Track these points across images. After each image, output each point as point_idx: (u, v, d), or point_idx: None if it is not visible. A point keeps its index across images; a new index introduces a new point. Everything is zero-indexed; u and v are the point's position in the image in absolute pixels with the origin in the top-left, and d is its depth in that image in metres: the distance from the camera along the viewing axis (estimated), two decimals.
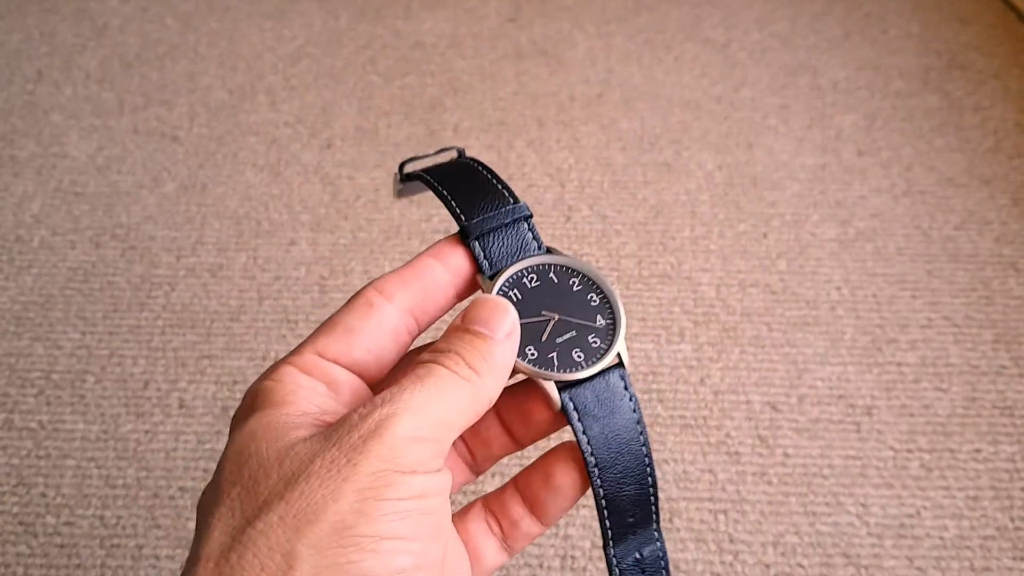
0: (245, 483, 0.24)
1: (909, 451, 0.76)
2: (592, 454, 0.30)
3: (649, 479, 0.31)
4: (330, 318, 0.29)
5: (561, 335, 0.31)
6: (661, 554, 0.32)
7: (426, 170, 0.34)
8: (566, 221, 0.94)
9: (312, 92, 1.10)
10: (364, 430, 0.24)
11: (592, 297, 0.31)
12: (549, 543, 0.70)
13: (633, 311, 0.86)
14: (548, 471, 0.32)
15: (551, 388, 0.30)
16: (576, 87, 1.10)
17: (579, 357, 0.30)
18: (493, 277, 0.31)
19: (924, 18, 1.17)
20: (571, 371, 0.30)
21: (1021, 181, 0.97)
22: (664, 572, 0.32)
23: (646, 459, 0.31)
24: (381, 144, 1.02)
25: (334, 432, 0.24)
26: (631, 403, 0.30)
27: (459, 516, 0.32)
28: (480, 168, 0.33)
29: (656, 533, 0.32)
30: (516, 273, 0.31)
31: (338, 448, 0.24)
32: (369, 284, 0.30)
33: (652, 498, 0.31)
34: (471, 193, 0.32)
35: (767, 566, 0.70)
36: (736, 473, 0.75)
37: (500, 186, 0.33)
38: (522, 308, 0.31)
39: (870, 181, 0.97)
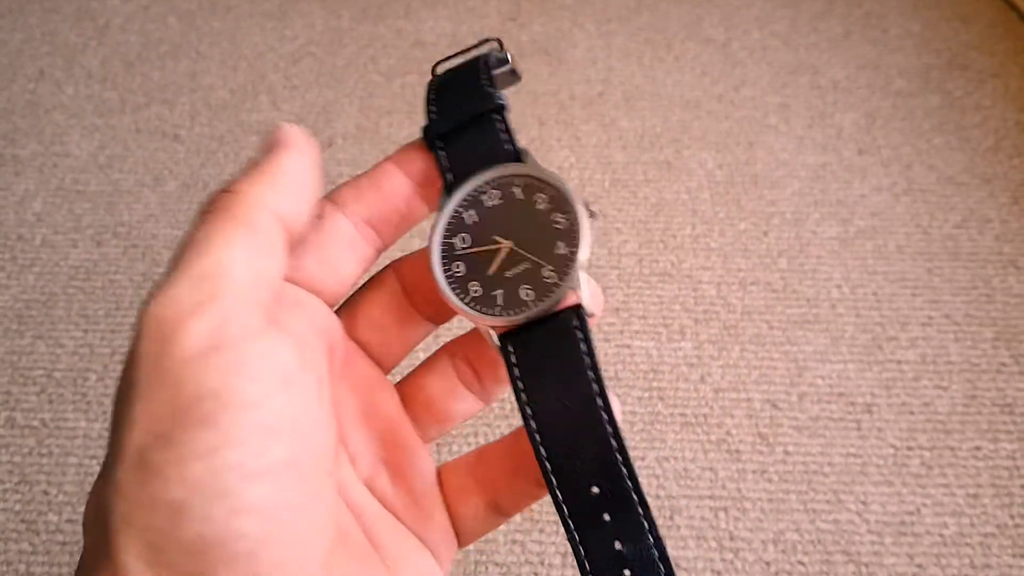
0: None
1: (909, 449, 0.76)
2: (533, 417, 0.24)
3: (613, 443, 0.24)
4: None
5: (513, 267, 0.26)
6: (657, 554, 0.24)
7: (441, 74, 0.29)
8: None
9: (314, 91, 1.10)
10: (138, 332, 0.21)
11: (557, 218, 0.26)
12: (550, 540, 0.71)
13: (634, 309, 0.86)
14: None
15: (492, 335, 0.25)
16: (577, 86, 1.10)
17: (527, 295, 0.25)
18: (450, 191, 0.26)
19: (924, 17, 1.18)
20: (510, 313, 0.25)
21: (1021, 180, 0.97)
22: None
23: (607, 426, 0.24)
24: (382, 143, 1.02)
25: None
26: (586, 356, 0.24)
27: (420, 371, 0.28)
28: (480, 62, 0.28)
29: (644, 524, 0.24)
30: (474, 189, 0.26)
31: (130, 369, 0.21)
32: (322, 197, 0.27)
33: (622, 468, 0.24)
34: (453, 91, 0.28)
35: (767, 563, 0.70)
36: (736, 471, 0.75)
37: (483, 75, 0.28)
38: (476, 232, 0.26)
39: (870, 180, 0.97)
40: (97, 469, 0.75)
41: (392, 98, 1.09)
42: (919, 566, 0.69)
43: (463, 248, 0.26)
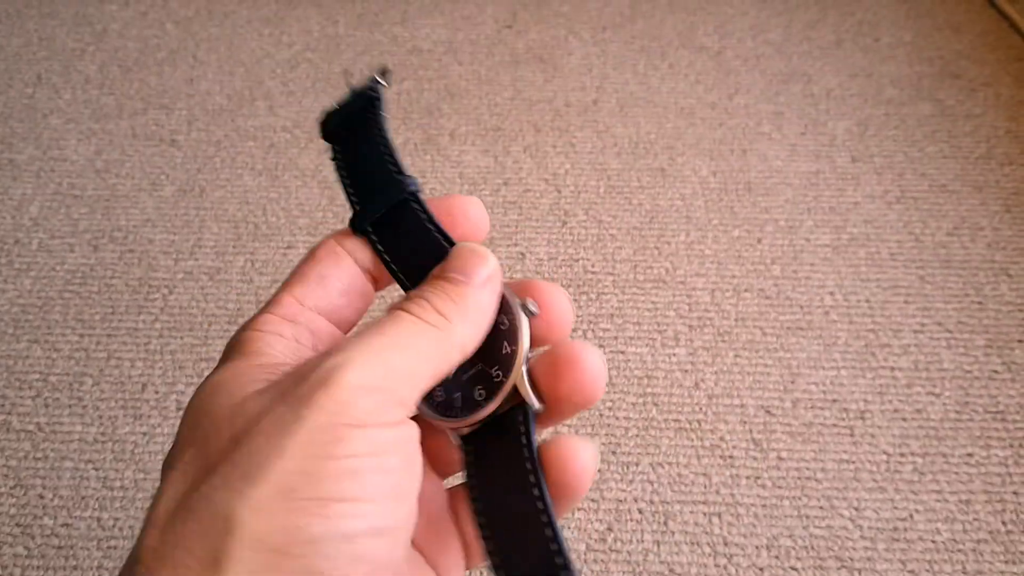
0: (198, 443, 0.22)
1: (902, 455, 0.77)
2: (481, 514, 0.25)
3: (552, 546, 0.24)
4: (298, 270, 0.27)
5: (467, 369, 0.27)
6: None
7: (336, 152, 0.30)
8: (562, 226, 0.95)
9: (310, 97, 1.11)
10: (313, 380, 0.22)
11: (503, 320, 0.27)
12: None
13: (628, 315, 0.86)
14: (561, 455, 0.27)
15: (453, 437, 0.27)
16: (572, 93, 1.11)
17: (480, 395, 0.26)
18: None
19: (916, 26, 1.18)
20: (466, 414, 0.26)
21: (1013, 188, 0.98)
22: None
23: (546, 528, 0.25)
24: None
25: (282, 384, 0.23)
26: (527, 455, 0.25)
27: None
28: (377, 135, 0.30)
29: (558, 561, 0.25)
30: None
31: (284, 402, 0.22)
32: (328, 236, 0.28)
33: (560, 568, 0.24)
34: (366, 175, 0.29)
35: (761, 569, 0.70)
36: (730, 476, 0.75)
37: (388, 157, 0.29)
38: None
39: (863, 187, 0.98)
40: (93, 473, 0.75)
41: (388, 104, 1.09)
42: (912, 572, 0.70)
43: None
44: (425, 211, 0.28)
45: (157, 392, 0.81)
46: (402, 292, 0.28)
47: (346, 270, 0.28)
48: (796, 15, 1.21)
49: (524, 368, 0.26)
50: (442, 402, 0.27)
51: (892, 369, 0.82)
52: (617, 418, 0.79)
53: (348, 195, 0.29)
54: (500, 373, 0.26)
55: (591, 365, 0.26)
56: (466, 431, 0.27)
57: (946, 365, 0.83)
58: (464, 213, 0.29)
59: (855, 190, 0.98)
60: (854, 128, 1.05)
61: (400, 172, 0.29)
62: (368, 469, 0.22)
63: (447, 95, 1.11)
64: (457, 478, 0.28)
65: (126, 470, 0.76)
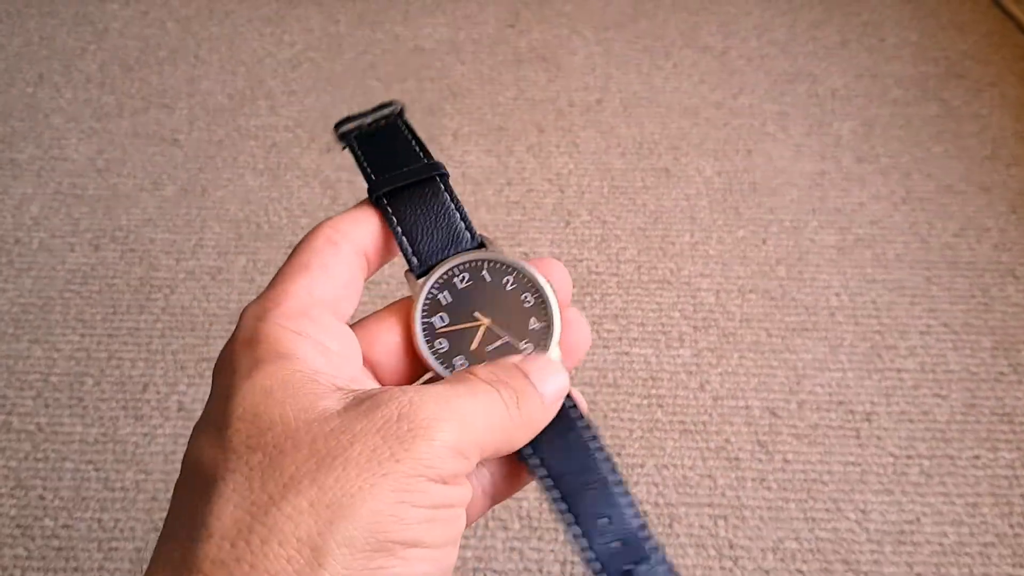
0: (268, 451, 0.22)
1: (909, 457, 0.76)
2: (557, 496, 0.27)
3: (608, 463, 0.27)
4: (298, 258, 0.27)
5: (492, 342, 0.28)
6: (642, 535, 0.27)
7: (356, 134, 0.31)
8: (565, 226, 0.94)
9: (312, 96, 1.10)
10: (412, 425, 0.23)
11: (527, 297, 0.29)
12: (549, 548, 0.70)
13: (633, 316, 0.86)
14: None
15: None
16: (575, 93, 1.10)
17: None
18: (422, 276, 0.29)
19: (922, 26, 1.18)
20: None
21: (1019, 188, 0.97)
22: None
23: (600, 453, 0.27)
24: None
25: (374, 414, 0.23)
26: (587, 432, 0.27)
27: None
28: (403, 129, 0.31)
29: (627, 507, 0.27)
30: (447, 272, 0.29)
31: (382, 438, 0.22)
32: (323, 223, 0.29)
33: (612, 476, 0.27)
34: (388, 156, 0.30)
35: (766, 572, 0.70)
36: (736, 479, 0.75)
37: (417, 147, 0.30)
38: (452, 312, 0.28)
39: (869, 188, 0.97)
40: (94, 474, 0.75)
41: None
42: (919, 575, 0.69)
43: (443, 326, 0.28)
44: (451, 194, 0.29)
45: (158, 392, 0.80)
46: (402, 274, 0.29)
47: (344, 259, 0.28)
48: (801, 15, 1.21)
49: (555, 340, 0.28)
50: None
51: (898, 371, 0.82)
52: (622, 420, 0.78)
53: (363, 169, 0.29)
54: (531, 346, 0.28)
55: (581, 327, 0.29)
56: None
57: (952, 367, 0.82)
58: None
59: (861, 191, 0.97)
60: (859, 128, 1.04)
61: (429, 156, 0.30)
62: (441, 519, 0.23)
63: (450, 95, 1.10)
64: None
65: (127, 471, 0.75)
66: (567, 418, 0.28)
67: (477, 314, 0.28)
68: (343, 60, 1.15)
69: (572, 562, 0.70)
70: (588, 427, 0.28)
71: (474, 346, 0.28)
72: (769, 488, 0.74)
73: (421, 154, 0.30)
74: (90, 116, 1.08)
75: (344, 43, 1.18)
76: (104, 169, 1.01)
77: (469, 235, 0.29)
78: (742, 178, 0.99)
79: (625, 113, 1.07)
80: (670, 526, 0.72)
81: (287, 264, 0.27)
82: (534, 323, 0.28)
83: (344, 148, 0.31)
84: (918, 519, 0.72)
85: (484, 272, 0.29)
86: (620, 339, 0.84)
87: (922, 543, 0.71)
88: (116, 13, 1.23)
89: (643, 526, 0.27)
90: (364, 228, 0.29)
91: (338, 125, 0.31)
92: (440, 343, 0.28)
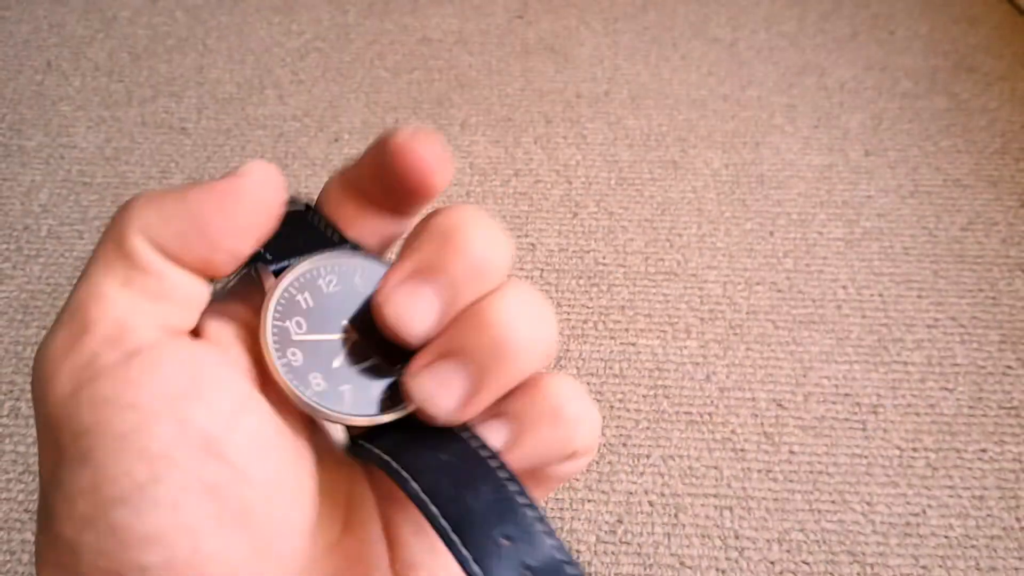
0: None
1: (915, 450, 0.76)
2: (418, 482, 0.21)
3: (503, 475, 0.21)
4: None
5: (361, 360, 0.23)
6: (560, 558, 0.21)
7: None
8: (573, 217, 0.94)
9: (320, 86, 1.10)
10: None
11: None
12: None
13: (639, 307, 0.86)
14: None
15: (335, 431, 0.24)
16: (583, 84, 1.10)
17: (382, 393, 0.23)
18: (278, 273, 0.23)
19: (932, 19, 1.17)
20: (359, 410, 0.22)
21: None
22: None
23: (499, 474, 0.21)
24: None
25: None
26: (481, 450, 0.21)
27: None
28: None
29: (538, 527, 0.21)
30: (310, 271, 0.23)
31: None
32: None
33: (513, 486, 0.21)
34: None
35: (772, 563, 0.70)
36: (741, 470, 0.75)
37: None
38: (314, 319, 0.23)
39: (877, 181, 0.97)
40: None
41: (398, 94, 1.09)
42: (924, 568, 0.69)
43: (300, 335, 0.23)
44: (329, 222, 0.24)
45: None
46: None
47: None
48: (810, 6, 1.20)
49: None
50: (320, 392, 0.22)
51: (905, 364, 0.82)
52: (628, 410, 0.78)
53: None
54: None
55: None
56: (358, 431, 0.23)
57: (960, 360, 0.82)
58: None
59: (869, 184, 0.97)
60: (868, 121, 1.04)
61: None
62: (105, 438, 0.21)
63: (457, 85, 1.10)
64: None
65: None
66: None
67: (345, 323, 0.23)
68: (351, 50, 1.15)
69: (577, 550, 0.70)
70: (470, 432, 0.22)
71: (337, 362, 0.23)
72: (775, 479, 0.74)
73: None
74: (99, 104, 1.08)
75: (352, 33, 1.18)
76: (112, 157, 1.01)
77: (334, 235, 0.24)
78: (750, 170, 0.99)
79: (633, 105, 1.07)
80: (676, 516, 0.72)
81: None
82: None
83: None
84: (924, 511, 0.72)
85: (357, 278, 0.24)
86: (627, 330, 0.84)
87: (928, 535, 0.71)
88: (125, 2, 1.23)
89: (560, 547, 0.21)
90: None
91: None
92: (293, 354, 0.23)
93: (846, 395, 0.79)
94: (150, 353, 0.21)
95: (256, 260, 0.23)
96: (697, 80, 1.10)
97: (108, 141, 1.03)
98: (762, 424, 0.77)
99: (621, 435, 0.77)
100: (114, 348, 0.20)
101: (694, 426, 0.77)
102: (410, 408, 0.22)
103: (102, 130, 1.04)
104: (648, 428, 0.77)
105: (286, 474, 0.22)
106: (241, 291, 0.25)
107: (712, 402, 0.79)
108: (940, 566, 0.69)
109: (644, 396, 0.79)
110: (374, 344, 0.22)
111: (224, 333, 0.23)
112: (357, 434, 0.23)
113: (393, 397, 0.22)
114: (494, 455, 0.21)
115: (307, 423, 0.24)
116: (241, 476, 0.21)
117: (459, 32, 1.18)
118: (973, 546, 0.71)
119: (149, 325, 0.21)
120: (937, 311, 0.86)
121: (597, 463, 0.76)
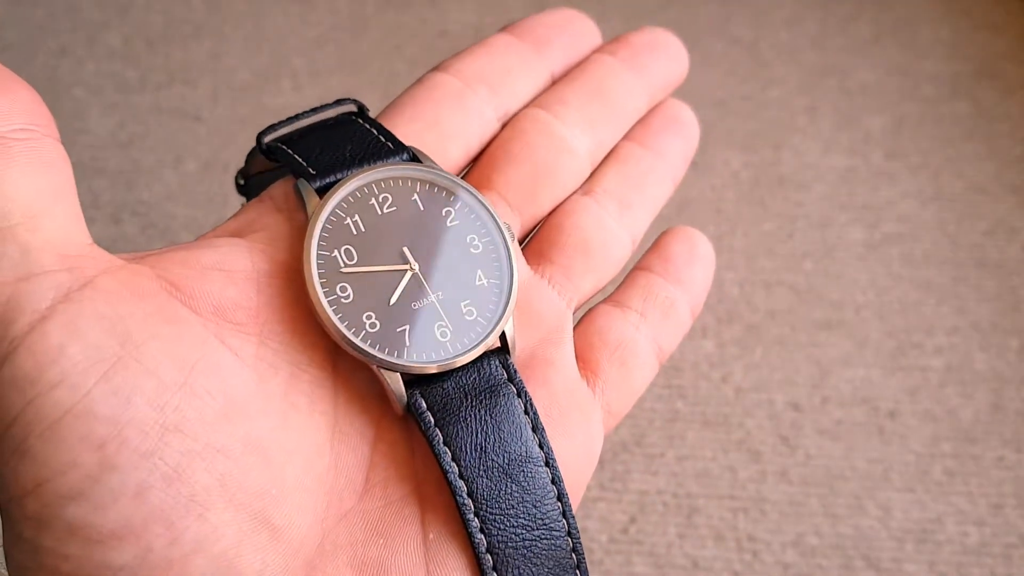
0: None
1: (932, 456, 0.75)
2: (462, 476, 0.19)
3: (565, 525, 0.18)
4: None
5: (420, 297, 0.20)
6: None
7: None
8: None
9: (336, 77, 1.09)
10: None
11: (473, 240, 0.20)
12: None
13: None
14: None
15: (393, 380, 0.20)
16: None
17: (443, 335, 0.20)
18: (323, 191, 0.20)
19: (955, 24, 1.16)
20: (422, 357, 0.19)
21: None
22: None
23: (556, 496, 0.18)
24: None
25: None
26: (521, 407, 0.19)
27: None
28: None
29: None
30: (360, 188, 0.20)
31: None
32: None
33: (576, 557, 0.18)
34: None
35: (786, 566, 0.69)
36: (757, 472, 0.74)
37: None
38: (365, 247, 0.20)
39: (898, 185, 0.96)
40: None
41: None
42: (940, 574, 0.69)
43: (350, 265, 0.20)
44: (381, 127, 0.21)
45: None
46: None
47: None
48: (833, 9, 1.19)
49: (510, 306, 0.20)
50: (376, 334, 0.19)
51: (924, 369, 0.81)
52: (642, 409, 0.78)
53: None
54: (474, 310, 0.20)
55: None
56: (410, 377, 0.20)
57: (979, 367, 0.81)
58: None
59: (889, 187, 0.96)
60: (889, 125, 1.03)
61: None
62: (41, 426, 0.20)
63: None
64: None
65: None
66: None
67: (406, 251, 0.20)
68: (369, 41, 1.15)
69: (589, 548, 0.69)
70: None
71: (394, 299, 0.20)
72: (791, 482, 0.73)
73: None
74: (113, 90, 1.07)
75: (370, 24, 1.17)
76: (126, 143, 1.01)
77: (390, 145, 0.20)
78: (769, 171, 0.98)
79: None
80: (689, 517, 0.71)
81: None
82: (481, 278, 0.20)
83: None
84: (940, 518, 0.72)
85: (415, 196, 0.20)
86: None
87: (944, 542, 0.70)
88: None
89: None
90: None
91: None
92: (343, 290, 0.20)
93: (864, 399, 0.78)
94: (65, 312, 0.18)
95: (297, 174, 0.21)
96: (717, 79, 1.09)
97: (122, 127, 1.03)
98: (778, 427, 0.77)
99: (635, 434, 0.76)
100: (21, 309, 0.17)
101: (709, 427, 0.77)
102: (480, 350, 0.19)
103: (115, 115, 1.04)
104: (662, 428, 0.77)
105: (273, 435, 0.19)
106: (268, 205, 0.21)
107: (728, 403, 0.78)
108: (956, 573, 0.69)
109: (659, 396, 0.79)
110: (440, 277, 0.19)
111: (236, 262, 0.20)
112: (412, 381, 0.20)
113: (456, 338, 0.20)
114: (537, 424, 0.19)
115: (321, 363, 0.20)
116: (211, 448, 0.18)
117: (477, 26, 1.17)
118: (989, 554, 0.70)
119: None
120: (957, 317, 0.85)
121: (610, 462, 0.75)
